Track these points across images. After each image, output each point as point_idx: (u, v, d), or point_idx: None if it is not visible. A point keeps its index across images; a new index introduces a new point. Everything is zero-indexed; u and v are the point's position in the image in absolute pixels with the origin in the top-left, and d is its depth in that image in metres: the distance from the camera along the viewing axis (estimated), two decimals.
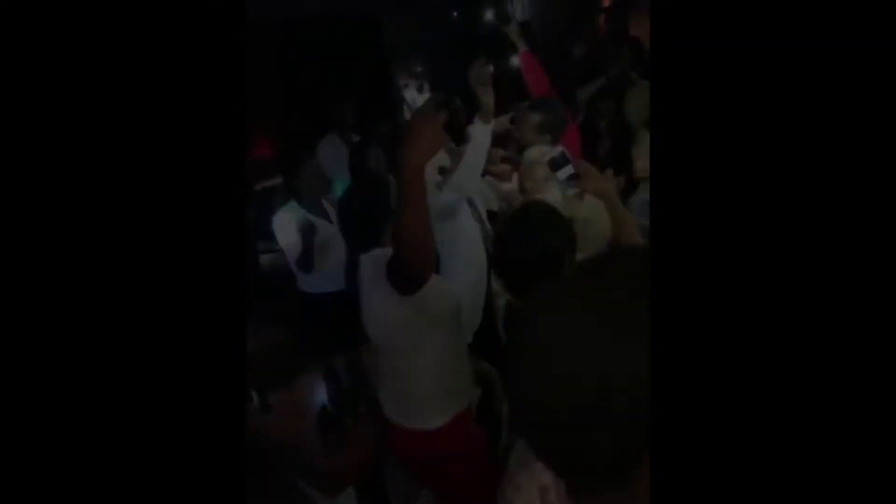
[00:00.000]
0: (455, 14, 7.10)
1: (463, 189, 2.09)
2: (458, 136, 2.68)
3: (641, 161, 2.37)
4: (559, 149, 1.66)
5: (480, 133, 2.02)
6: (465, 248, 2.15)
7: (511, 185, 2.49)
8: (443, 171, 1.66)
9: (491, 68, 1.96)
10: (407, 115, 1.43)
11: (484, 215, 2.37)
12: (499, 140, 2.58)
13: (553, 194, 2.04)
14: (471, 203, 2.28)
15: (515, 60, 2.85)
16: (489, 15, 6.37)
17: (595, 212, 1.79)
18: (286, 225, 2.54)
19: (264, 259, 4.50)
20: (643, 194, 2.38)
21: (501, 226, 1.53)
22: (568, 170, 1.63)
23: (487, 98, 1.96)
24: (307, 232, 2.39)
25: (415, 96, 1.49)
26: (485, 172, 2.25)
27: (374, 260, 1.54)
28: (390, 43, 6.40)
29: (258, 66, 6.41)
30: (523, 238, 1.40)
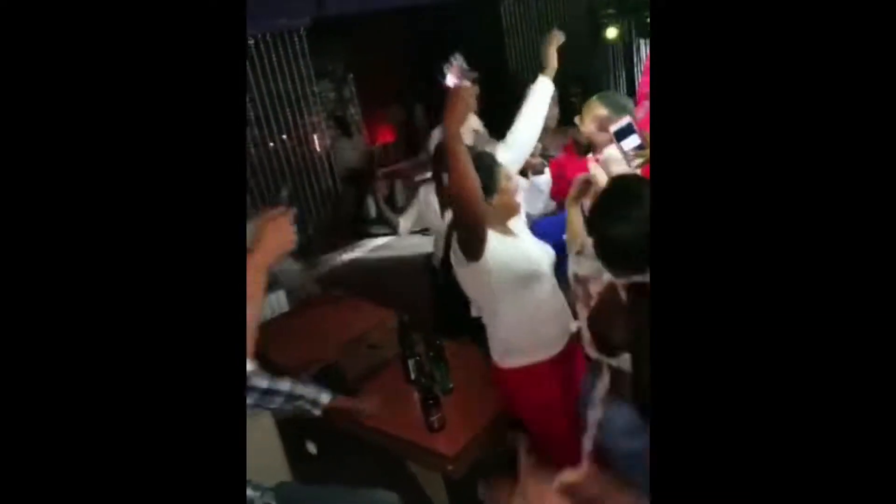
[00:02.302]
0: None
1: (520, 147, 2.01)
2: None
3: None
4: (627, 119, 1.57)
5: (543, 88, 1.98)
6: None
7: (545, 178, 2.37)
8: (476, 133, 1.72)
9: (563, 37, 1.98)
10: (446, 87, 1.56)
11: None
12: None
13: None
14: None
15: None
16: None
17: None
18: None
19: None
20: None
21: (592, 206, 1.45)
22: (633, 140, 1.52)
23: (552, 60, 1.98)
24: None
25: (449, 74, 1.62)
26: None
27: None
28: (508, 27, 6.32)
29: (380, 56, 6.65)
30: (613, 214, 1.33)
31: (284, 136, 5.87)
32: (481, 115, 3.55)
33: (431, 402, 1.91)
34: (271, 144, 5.87)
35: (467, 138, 1.54)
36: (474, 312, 1.94)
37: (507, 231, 1.79)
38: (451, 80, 1.57)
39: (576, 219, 1.65)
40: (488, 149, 1.90)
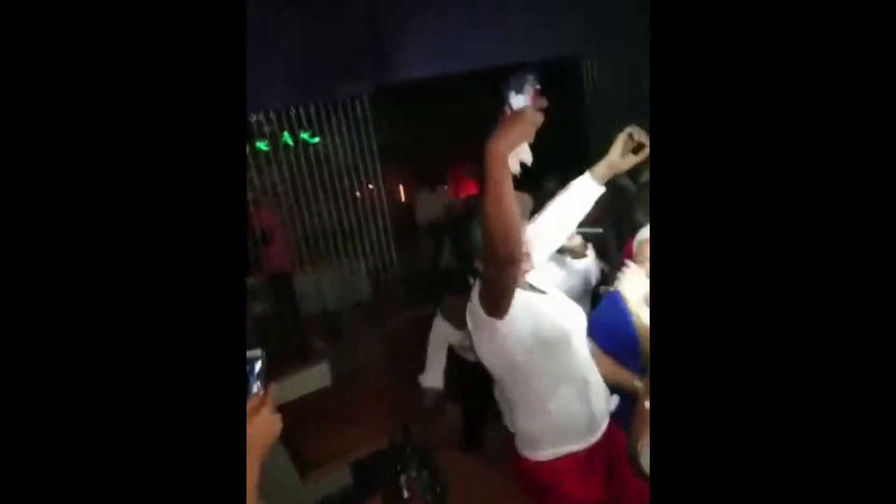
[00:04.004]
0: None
1: (542, 245, 1.68)
2: None
3: None
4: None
5: (583, 188, 1.62)
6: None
7: (586, 262, 2.05)
8: (524, 166, 1.42)
9: (644, 137, 1.56)
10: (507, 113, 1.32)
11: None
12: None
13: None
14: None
15: None
16: None
17: None
18: None
19: None
20: None
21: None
22: None
23: (615, 159, 1.59)
24: None
25: (517, 98, 1.32)
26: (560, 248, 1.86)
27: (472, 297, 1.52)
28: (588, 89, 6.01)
29: (469, 109, 6.62)
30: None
31: (370, 186, 5.93)
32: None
33: None
34: (357, 194, 5.95)
35: (512, 168, 1.27)
36: (497, 394, 1.63)
37: (531, 287, 1.51)
38: (520, 101, 1.29)
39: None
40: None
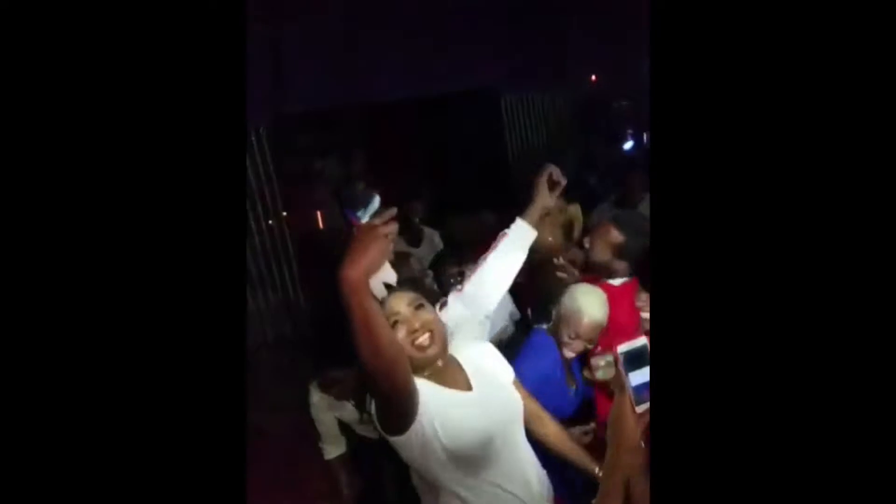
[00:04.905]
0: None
1: (479, 304, 1.54)
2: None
3: None
4: (642, 340, 1.08)
5: (518, 234, 1.56)
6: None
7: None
8: (388, 287, 1.26)
9: (564, 180, 1.60)
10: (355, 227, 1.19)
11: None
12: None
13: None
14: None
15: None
16: None
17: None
18: None
19: None
20: None
21: None
22: (643, 374, 1.01)
23: (545, 201, 1.59)
24: None
25: (363, 212, 1.22)
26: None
27: None
28: (509, 122, 6.05)
29: (394, 137, 6.47)
30: None
31: (284, 213, 5.59)
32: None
33: None
34: (269, 222, 5.57)
35: (375, 293, 1.15)
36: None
37: (447, 378, 1.28)
38: (367, 214, 1.18)
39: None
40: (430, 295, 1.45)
